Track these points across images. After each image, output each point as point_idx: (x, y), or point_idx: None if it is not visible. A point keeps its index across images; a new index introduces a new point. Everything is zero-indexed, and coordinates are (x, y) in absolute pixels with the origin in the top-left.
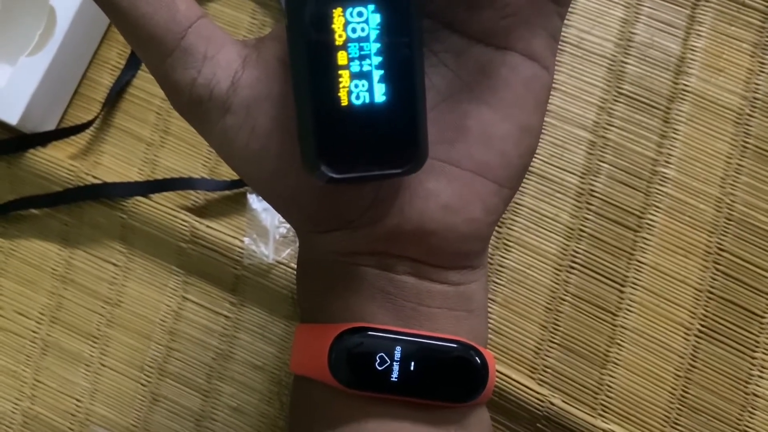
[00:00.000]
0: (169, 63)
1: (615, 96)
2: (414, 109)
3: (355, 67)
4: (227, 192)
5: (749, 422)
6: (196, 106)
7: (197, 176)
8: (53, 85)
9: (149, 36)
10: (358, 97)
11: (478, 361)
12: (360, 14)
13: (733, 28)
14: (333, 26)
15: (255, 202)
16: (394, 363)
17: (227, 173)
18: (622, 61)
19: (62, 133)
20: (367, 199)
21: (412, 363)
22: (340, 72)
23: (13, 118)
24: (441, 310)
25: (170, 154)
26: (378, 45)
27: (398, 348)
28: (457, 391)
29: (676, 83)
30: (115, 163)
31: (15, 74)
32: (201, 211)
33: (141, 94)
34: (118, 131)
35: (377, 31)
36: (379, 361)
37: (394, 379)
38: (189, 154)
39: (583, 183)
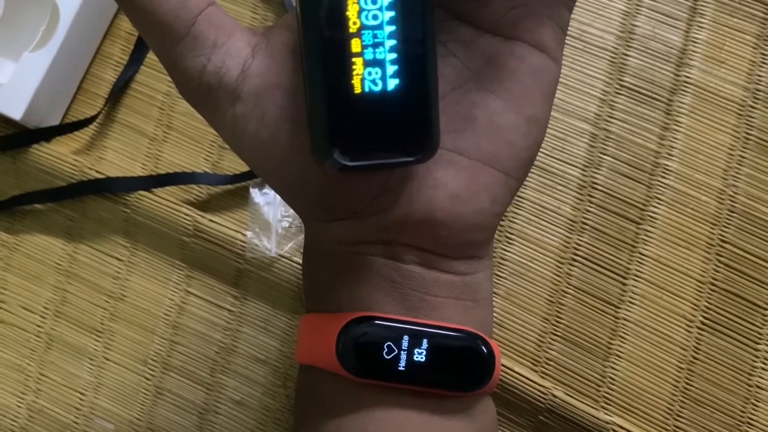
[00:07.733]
0: (179, 50)
1: (617, 88)
2: (426, 98)
3: (369, 54)
4: (230, 186)
5: (752, 414)
6: (205, 94)
7: (200, 171)
8: (57, 81)
9: (159, 23)
10: (371, 85)
11: (485, 351)
12: (374, 2)
13: (735, 19)
14: (347, 13)
15: (257, 196)
16: (402, 352)
17: (230, 168)
18: (624, 54)
19: (66, 128)
20: (375, 188)
21: (419, 352)
22: (353, 59)
23: (17, 114)
24: (447, 300)
25: (173, 149)
26: (392, 32)
27: (405, 337)
28: (464, 381)
29: (678, 75)
30: (118, 158)
31: (19, 70)
32: (204, 205)
33: (144, 90)
34: (122, 126)
35: (391, 19)
36: (386, 350)
37: (401, 367)
38: (192, 149)
39: (585, 175)
